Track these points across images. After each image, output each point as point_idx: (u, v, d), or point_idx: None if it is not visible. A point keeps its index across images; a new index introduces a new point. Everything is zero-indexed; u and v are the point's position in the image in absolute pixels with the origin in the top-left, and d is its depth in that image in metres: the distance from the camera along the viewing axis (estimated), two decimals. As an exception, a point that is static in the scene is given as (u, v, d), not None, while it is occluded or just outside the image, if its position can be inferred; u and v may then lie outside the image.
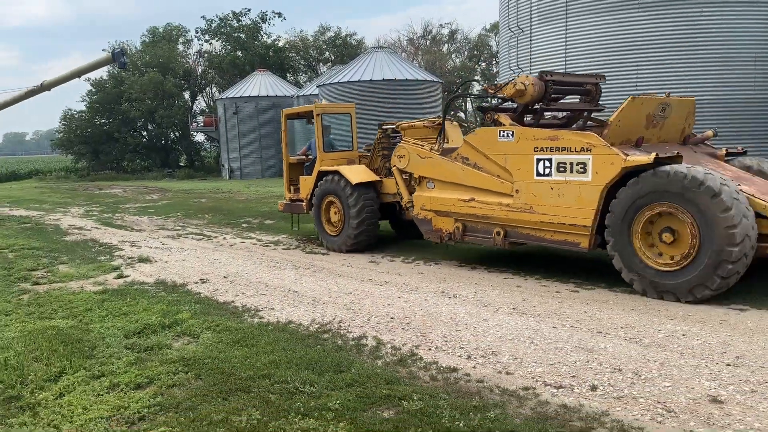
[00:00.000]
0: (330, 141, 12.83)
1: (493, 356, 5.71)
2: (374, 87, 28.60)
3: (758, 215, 7.05)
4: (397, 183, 10.80)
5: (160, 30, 51.83)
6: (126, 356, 5.87)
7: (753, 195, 7.32)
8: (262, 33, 52.14)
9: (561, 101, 9.87)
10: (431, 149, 10.17)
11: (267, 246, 12.58)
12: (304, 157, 13.33)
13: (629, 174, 7.58)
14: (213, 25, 51.65)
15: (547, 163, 8.36)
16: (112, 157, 47.10)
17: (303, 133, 13.69)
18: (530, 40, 20.02)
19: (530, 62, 20.07)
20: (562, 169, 8.19)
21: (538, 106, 9.14)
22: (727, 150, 9.08)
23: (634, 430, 4.18)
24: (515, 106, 9.27)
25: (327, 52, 54.81)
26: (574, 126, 9.72)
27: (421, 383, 5.13)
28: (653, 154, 7.41)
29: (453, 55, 61.06)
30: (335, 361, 5.61)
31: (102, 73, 46.49)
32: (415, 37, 59.66)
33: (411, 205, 10.55)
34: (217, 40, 52.19)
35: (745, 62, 17.14)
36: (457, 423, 4.34)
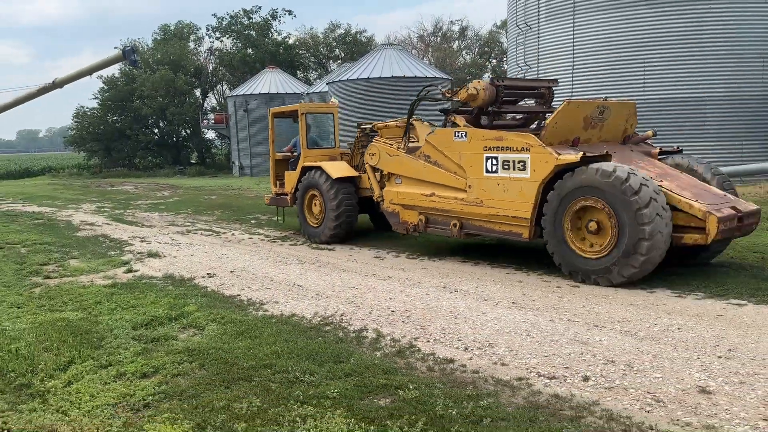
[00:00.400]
0: (314, 138, 13.64)
1: (489, 348, 5.83)
2: (384, 84, 28.69)
3: (674, 208, 7.87)
4: (369, 179, 11.59)
5: (172, 28, 52.22)
6: (133, 347, 6.05)
7: (671, 190, 8.08)
8: (272, 30, 52.39)
9: (519, 104, 10.77)
10: (398, 148, 10.99)
11: (274, 242, 12.76)
12: (289, 153, 14.05)
13: (563, 171, 8.36)
14: (224, 23, 51.95)
15: (494, 161, 9.16)
16: (124, 154, 47.55)
17: (288, 131, 14.71)
18: (538, 37, 20.07)
19: (538, 59, 20.13)
20: (506, 167, 8.99)
21: (491, 109, 9.87)
22: (661, 149, 9.79)
23: (622, 419, 4.29)
24: (471, 108, 9.98)
25: (337, 50, 54.98)
26: (533, 126, 10.44)
27: (417, 374, 5.27)
28: (581, 153, 8.22)
29: (463, 52, 61.04)
30: (335, 352, 5.76)
31: (114, 70, 46.93)
32: (425, 34, 59.71)
33: (381, 200, 11.33)
34: (228, 38, 52.51)
35: (753, 59, 17.09)
36: (450, 411, 4.47)
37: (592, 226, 8.09)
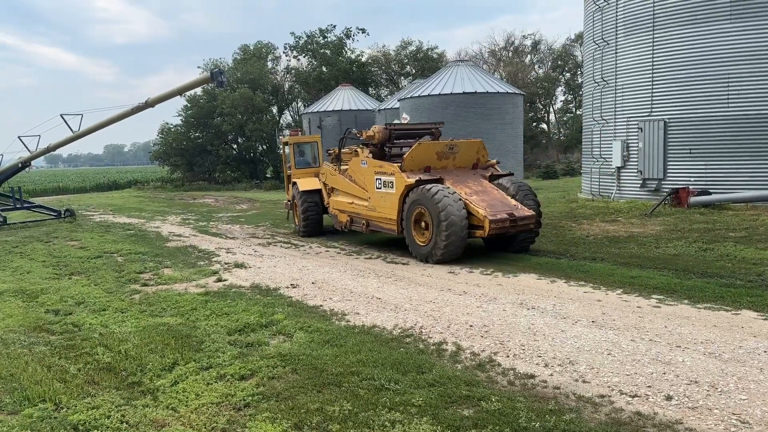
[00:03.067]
0: (306, 160, 17.76)
1: (570, 365, 5.93)
2: (455, 100, 28.91)
3: (471, 214, 11.56)
4: (323, 191, 15.92)
5: (251, 48, 54.40)
6: (230, 351, 6.52)
7: (473, 202, 11.75)
8: (346, 48, 53.67)
9: (409, 140, 14.29)
10: (335, 169, 15.14)
11: (350, 255, 13.18)
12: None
13: (410, 189, 12.31)
14: (300, 42, 53.69)
15: (379, 181, 13.23)
16: (204, 169, 49.75)
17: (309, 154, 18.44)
18: (615, 53, 19.80)
19: (615, 75, 19.84)
20: (385, 185, 13.05)
21: (388, 145, 13.81)
22: (492, 173, 13.30)
23: (707, 439, 4.33)
24: (375, 144, 13.80)
25: (408, 66, 55.66)
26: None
27: (498, 387, 5.45)
28: (417, 178, 12.28)
29: (536, 66, 60.45)
30: (417, 363, 6.01)
31: (196, 89, 49.29)
32: (496, 49, 59.57)
33: (329, 205, 15.72)
34: (303, 56, 54.18)
35: None
36: (533, 423, 4.63)
37: (422, 225, 12.05)
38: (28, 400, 5.45)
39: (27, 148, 22.18)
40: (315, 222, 16.16)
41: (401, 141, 14.15)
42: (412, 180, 12.25)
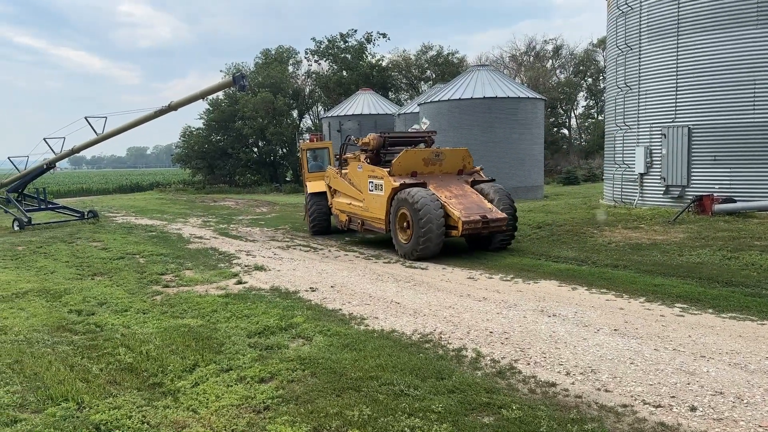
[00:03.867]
0: (319, 164, 18.91)
1: (592, 374, 5.86)
2: (475, 105, 28.82)
3: (448, 215, 12.68)
4: (328, 192, 17.14)
5: (273, 52, 54.81)
6: (250, 353, 6.55)
7: (451, 205, 12.89)
8: (366, 53, 53.83)
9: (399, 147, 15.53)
10: (337, 172, 16.32)
11: (368, 259, 13.18)
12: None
13: (396, 191, 13.47)
14: (322, 46, 53.97)
15: (372, 184, 14.44)
16: (225, 172, 50.19)
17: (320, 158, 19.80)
18: (639, 58, 19.59)
19: (639, 80, 19.63)
20: (377, 188, 14.23)
21: (382, 151, 15.14)
22: (475, 179, 14.38)
23: (734, 452, 4.25)
24: (371, 150, 15.05)
25: (428, 71, 55.65)
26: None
27: (519, 395, 5.39)
28: (401, 182, 13.53)
29: (557, 71, 60.07)
30: (437, 369, 5.98)
31: (218, 93, 49.77)
32: (517, 54, 59.31)
33: (332, 206, 16.92)
34: (324, 61, 54.45)
35: None
36: (554, 432, 4.57)
37: (405, 224, 13.21)
38: (51, 399, 5.52)
39: (52, 149, 22.56)
40: (322, 221, 17.52)
41: (395, 148, 15.30)
42: (397, 183, 13.52)
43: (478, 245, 13.71)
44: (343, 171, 16.07)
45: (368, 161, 14.83)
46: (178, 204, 33.72)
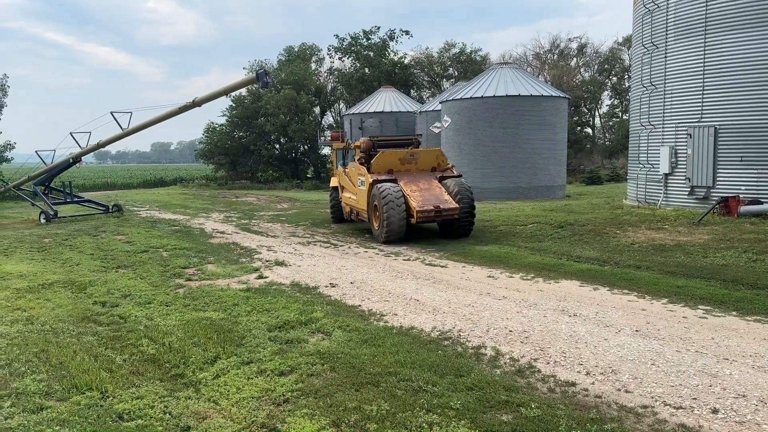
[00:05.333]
0: (345, 162, 19.70)
1: (612, 374, 5.82)
2: (498, 103, 28.64)
3: (409, 205, 14.89)
4: (339, 188, 19.24)
5: (296, 49, 55.02)
6: (270, 347, 6.62)
7: (412, 196, 15.06)
8: (389, 50, 53.79)
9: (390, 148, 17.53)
10: (343, 171, 18.60)
11: (388, 256, 13.20)
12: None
13: (372, 185, 15.55)
14: (344, 44, 54.06)
15: (360, 181, 16.59)
16: (247, 168, 50.56)
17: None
18: (665, 57, 19.31)
19: (665, 79, 19.36)
20: (362, 184, 16.29)
21: (372, 152, 16.83)
22: (442, 175, 16.39)
23: (756, 455, 4.19)
24: (362, 151, 17.06)
25: (451, 68, 55.45)
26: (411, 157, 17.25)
27: (538, 393, 5.37)
28: (374, 178, 15.64)
29: (581, 69, 59.44)
30: (455, 366, 5.99)
31: (242, 90, 50.13)
32: (541, 52, 58.81)
33: (341, 199, 18.92)
34: (347, 58, 54.53)
35: None
36: None
37: (377, 214, 15.23)
38: (76, 388, 5.63)
39: (78, 144, 22.96)
40: (336, 211, 19.66)
41: (384, 149, 16.90)
42: (371, 179, 15.68)
43: (445, 232, 15.81)
44: (346, 170, 18.14)
45: (359, 161, 16.71)
46: (201, 199, 34.07)
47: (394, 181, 15.60)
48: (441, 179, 16.12)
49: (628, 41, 50.98)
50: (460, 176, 16.52)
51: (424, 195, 15.16)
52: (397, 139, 18.19)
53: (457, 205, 14.89)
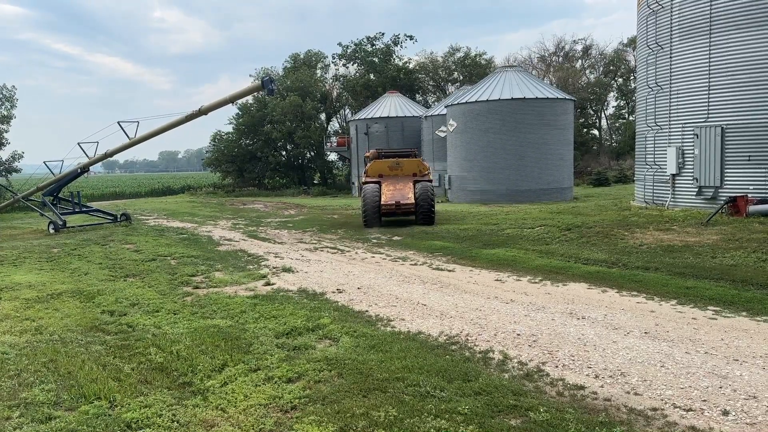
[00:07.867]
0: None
1: (621, 377, 5.78)
2: (503, 106, 28.62)
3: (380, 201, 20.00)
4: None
5: (301, 56, 55.21)
6: (278, 353, 6.61)
7: (385, 194, 19.93)
8: (394, 56, 53.88)
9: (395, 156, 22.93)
10: (364, 176, 21.79)
11: (395, 261, 13.18)
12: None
13: (362, 186, 20.83)
14: (348, 50, 54.21)
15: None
16: (254, 175, 50.77)
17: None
18: (670, 57, 19.26)
19: (670, 79, 19.30)
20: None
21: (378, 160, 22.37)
22: (417, 179, 20.59)
23: (768, 457, 4.15)
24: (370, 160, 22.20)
25: (456, 72, 55.46)
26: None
27: (547, 397, 5.34)
28: (364, 180, 20.87)
29: (587, 71, 59.31)
30: (463, 371, 5.96)
31: (248, 97, 50.31)
32: (546, 54, 58.73)
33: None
34: (352, 64, 54.67)
35: None
36: (582, 435, 4.52)
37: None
38: (84, 397, 5.65)
39: (86, 154, 23.09)
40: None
41: (389, 159, 21.63)
42: (362, 181, 20.77)
43: (415, 222, 19.97)
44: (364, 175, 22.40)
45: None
46: (209, 207, 34.19)
47: (378, 183, 20.37)
48: (415, 182, 20.40)
49: (633, 42, 50.85)
50: (430, 181, 20.92)
51: (394, 194, 19.94)
52: (399, 151, 23.28)
53: (413, 201, 19.62)
